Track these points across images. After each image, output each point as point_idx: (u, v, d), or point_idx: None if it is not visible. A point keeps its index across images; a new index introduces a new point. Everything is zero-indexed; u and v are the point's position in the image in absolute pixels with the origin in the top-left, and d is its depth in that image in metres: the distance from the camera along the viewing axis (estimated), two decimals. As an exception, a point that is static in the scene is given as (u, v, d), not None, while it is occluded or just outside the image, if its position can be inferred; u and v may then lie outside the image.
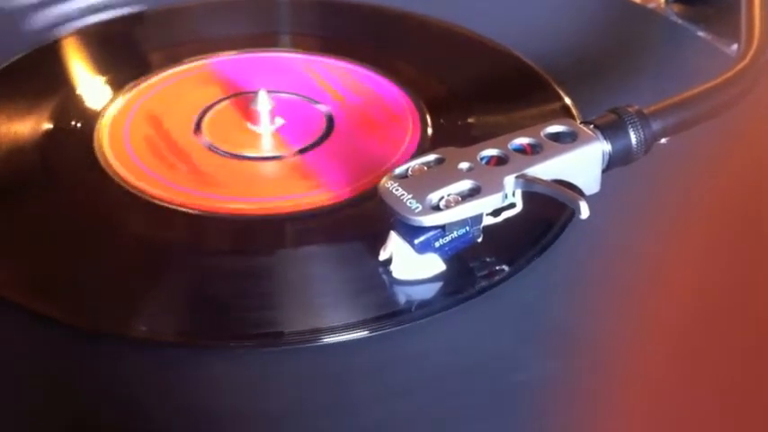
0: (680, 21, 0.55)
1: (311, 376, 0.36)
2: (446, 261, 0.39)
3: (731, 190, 0.42)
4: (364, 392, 0.36)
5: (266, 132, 0.47)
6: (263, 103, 0.47)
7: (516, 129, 0.41)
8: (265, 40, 0.54)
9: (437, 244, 0.38)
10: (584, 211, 0.37)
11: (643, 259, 0.40)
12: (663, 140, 0.42)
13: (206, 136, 0.47)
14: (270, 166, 0.45)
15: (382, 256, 0.39)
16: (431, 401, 0.35)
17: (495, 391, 0.36)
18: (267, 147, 0.46)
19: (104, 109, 0.48)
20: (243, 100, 0.49)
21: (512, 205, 0.39)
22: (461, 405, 0.35)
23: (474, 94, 0.49)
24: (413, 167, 0.39)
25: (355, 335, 0.37)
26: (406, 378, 0.36)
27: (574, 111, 0.48)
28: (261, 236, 0.42)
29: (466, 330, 0.38)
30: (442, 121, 0.48)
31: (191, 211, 0.43)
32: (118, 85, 0.50)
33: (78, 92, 0.50)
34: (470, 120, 0.48)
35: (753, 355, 0.36)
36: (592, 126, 0.40)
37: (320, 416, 0.35)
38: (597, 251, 0.41)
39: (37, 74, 0.52)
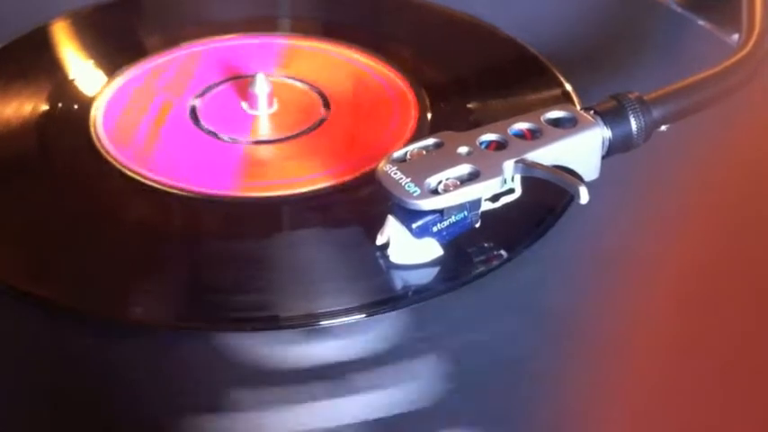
0: (681, 10, 0.55)
1: (308, 360, 0.36)
2: (444, 246, 0.39)
3: (731, 176, 0.43)
4: (361, 376, 0.36)
5: (264, 116, 0.47)
6: (261, 86, 0.47)
7: (516, 115, 0.40)
8: (264, 24, 0.54)
9: (435, 228, 0.38)
10: (584, 196, 0.37)
11: (641, 246, 0.40)
12: (663, 127, 0.41)
13: (203, 119, 0.47)
14: (267, 149, 0.45)
15: (380, 240, 0.39)
16: (428, 385, 0.35)
17: (491, 375, 0.36)
18: (265, 130, 0.46)
19: (100, 92, 0.48)
20: (240, 83, 0.48)
21: (511, 190, 0.39)
22: (458, 389, 0.35)
23: (474, 80, 0.49)
24: (411, 151, 0.39)
25: (352, 318, 0.37)
26: (402, 362, 0.36)
27: (574, 97, 0.48)
28: (258, 220, 0.42)
29: (463, 315, 0.38)
30: (442, 106, 0.48)
31: (188, 194, 0.42)
32: (114, 67, 0.50)
33: (74, 75, 0.50)
34: (470, 105, 0.48)
35: (752, 339, 0.36)
36: (592, 112, 0.40)
37: (317, 399, 0.35)
38: (595, 237, 0.41)
39: (32, 57, 0.51)
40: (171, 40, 0.52)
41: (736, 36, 0.47)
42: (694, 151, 0.44)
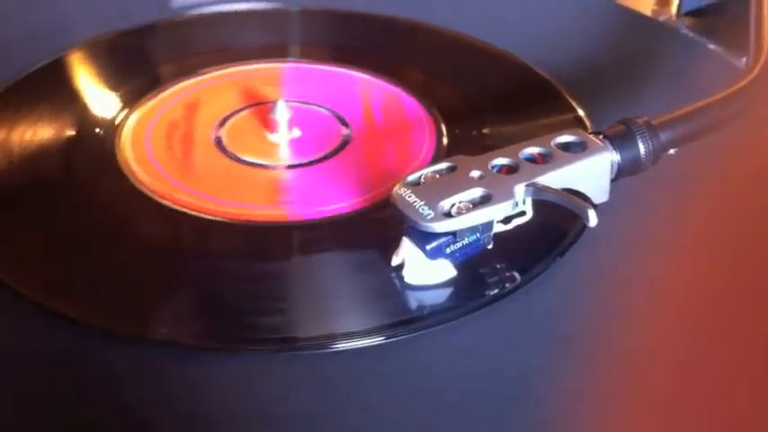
0: (691, 34, 0.55)
1: (324, 381, 0.37)
2: (457, 267, 0.40)
3: (739, 200, 0.43)
4: (377, 397, 0.36)
5: (284, 141, 0.48)
6: (282, 112, 0.48)
7: (529, 139, 0.41)
8: (282, 50, 0.55)
9: (448, 250, 0.39)
10: (593, 218, 0.38)
11: (654, 268, 0.41)
12: (671, 151, 0.42)
13: (225, 144, 0.48)
14: (288, 174, 0.46)
15: (395, 261, 0.40)
16: (442, 407, 0.36)
17: (506, 397, 0.36)
18: (285, 155, 0.47)
19: (126, 117, 0.49)
20: (261, 110, 0.49)
21: (522, 213, 0.40)
22: (473, 411, 0.36)
23: (488, 105, 0.50)
24: (425, 175, 0.40)
25: (368, 340, 0.38)
26: (418, 383, 0.37)
27: (585, 121, 0.49)
28: (277, 242, 0.43)
29: (477, 336, 0.38)
30: (456, 131, 0.49)
31: (209, 216, 0.43)
32: (139, 93, 0.51)
33: (101, 99, 0.51)
34: (485, 130, 0.49)
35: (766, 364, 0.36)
36: (601, 136, 0.41)
37: (332, 420, 0.35)
38: (608, 260, 0.42)
39: (60, 82, 0.53)
40: (195, 66, 0.53)
41: (744, 59, 0.47)
42: (703, 174, 0.44)
